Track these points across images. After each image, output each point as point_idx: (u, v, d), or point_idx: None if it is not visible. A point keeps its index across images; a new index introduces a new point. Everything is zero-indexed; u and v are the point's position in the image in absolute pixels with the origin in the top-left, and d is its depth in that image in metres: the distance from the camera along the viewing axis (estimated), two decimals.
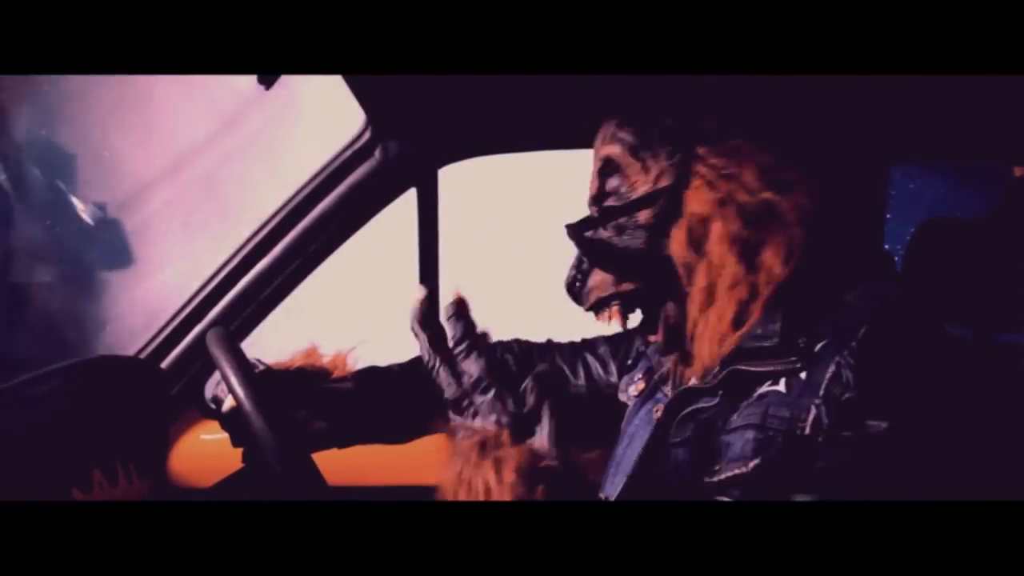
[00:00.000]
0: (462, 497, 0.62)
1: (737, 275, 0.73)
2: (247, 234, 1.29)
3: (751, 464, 0.67)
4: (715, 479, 0.69)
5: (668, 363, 0.88)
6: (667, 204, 0.76)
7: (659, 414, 0.81)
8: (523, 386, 0.67)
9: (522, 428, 0.65)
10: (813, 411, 0.65)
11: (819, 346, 0.68)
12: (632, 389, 0.93)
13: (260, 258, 1.27)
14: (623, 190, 0.79)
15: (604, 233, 0.80)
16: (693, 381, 0.79)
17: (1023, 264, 0.98)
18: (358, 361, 0.93)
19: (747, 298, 0.73)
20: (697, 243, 0.75)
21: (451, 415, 0.69)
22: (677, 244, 0.75)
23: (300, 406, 0.85)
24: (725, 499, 0.67)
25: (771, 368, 0.70)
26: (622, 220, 0.79)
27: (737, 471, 0.67)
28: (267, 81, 0.87)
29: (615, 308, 0.82)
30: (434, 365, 0.70)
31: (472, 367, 0.69)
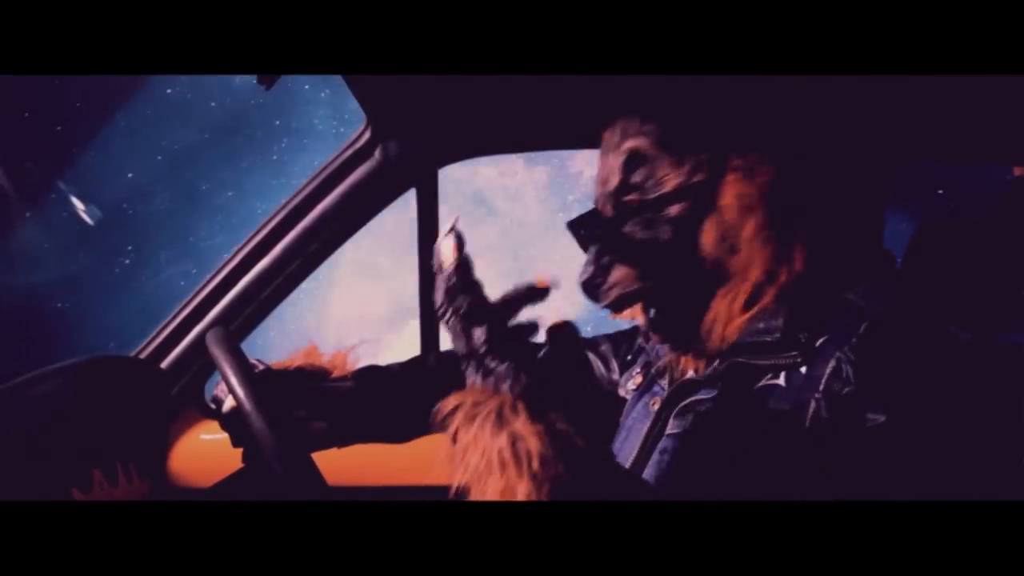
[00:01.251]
0: (473, 462, 0.59)
1: (765, 268, 0.72)
2: (247, 234, 1.29)
3: (749, 456, 0.67)
4: (712, 471, 0.69)
5: (665, 357, 0.87)
6: (701, 197, 0.75)
7: (656, 407, 0.82)
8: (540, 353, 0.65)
9: (536, 398, 0.61)
10: (813, 405, 0.65)
11: (820, 341, 0.68)
12: (631, 383, 0.94)
13: (260, 258, 1.28)
14: (650, 183, 0.76)
15: (629, 227, 0.78)
16: (690, 374, 0.79)
17: (1023, 265, 0.99)
18: (358, 361, 0.93)
19: (765, 288, 0.73)
20: (729, 236, 0.74)
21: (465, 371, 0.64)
22: (709, 237, 0.74)
23: (300, 406, 0.85)
24: (720, 491, 0.67)
25: (771, 362, 0.70)
26: (650, 214, 0.76)
27: (736, 463, 0.67)
28: (267, 81, 0.87)
29: (638, 304, 0.81)
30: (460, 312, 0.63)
31: (479, 332, 0.63)
